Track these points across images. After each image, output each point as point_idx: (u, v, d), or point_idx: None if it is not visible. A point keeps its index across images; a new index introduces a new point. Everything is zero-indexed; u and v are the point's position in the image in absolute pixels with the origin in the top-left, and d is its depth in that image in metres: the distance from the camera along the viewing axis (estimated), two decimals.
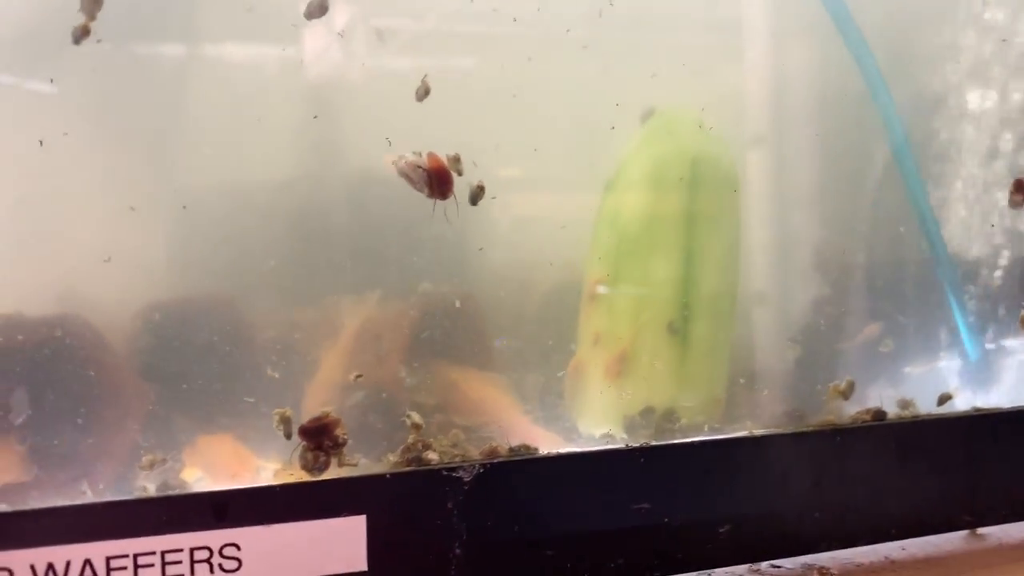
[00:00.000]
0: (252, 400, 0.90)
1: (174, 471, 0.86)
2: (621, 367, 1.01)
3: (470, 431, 0.94)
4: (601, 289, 1.05)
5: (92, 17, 0.69)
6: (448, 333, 1.00)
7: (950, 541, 0.95)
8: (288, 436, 0.76)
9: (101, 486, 0.78)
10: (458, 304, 0.98)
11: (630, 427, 0.98)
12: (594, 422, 1.01)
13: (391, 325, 1.00)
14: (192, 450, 0.88)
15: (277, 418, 0.76)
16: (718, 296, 1.06)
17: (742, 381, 1.03)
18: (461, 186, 0.85)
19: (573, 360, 1.04)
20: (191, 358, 0.89)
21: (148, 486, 0.80)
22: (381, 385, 0.96)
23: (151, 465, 0.81)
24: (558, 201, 1.08)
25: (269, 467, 0.87)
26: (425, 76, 0.80)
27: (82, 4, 0.69)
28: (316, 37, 0.90)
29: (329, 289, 0.97)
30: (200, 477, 0.86)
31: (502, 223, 1.01)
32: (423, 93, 0.80)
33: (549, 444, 0.96)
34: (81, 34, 0.69)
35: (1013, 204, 1.04)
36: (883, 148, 1.16)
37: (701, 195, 1.06)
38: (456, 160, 0.81)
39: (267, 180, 0.95)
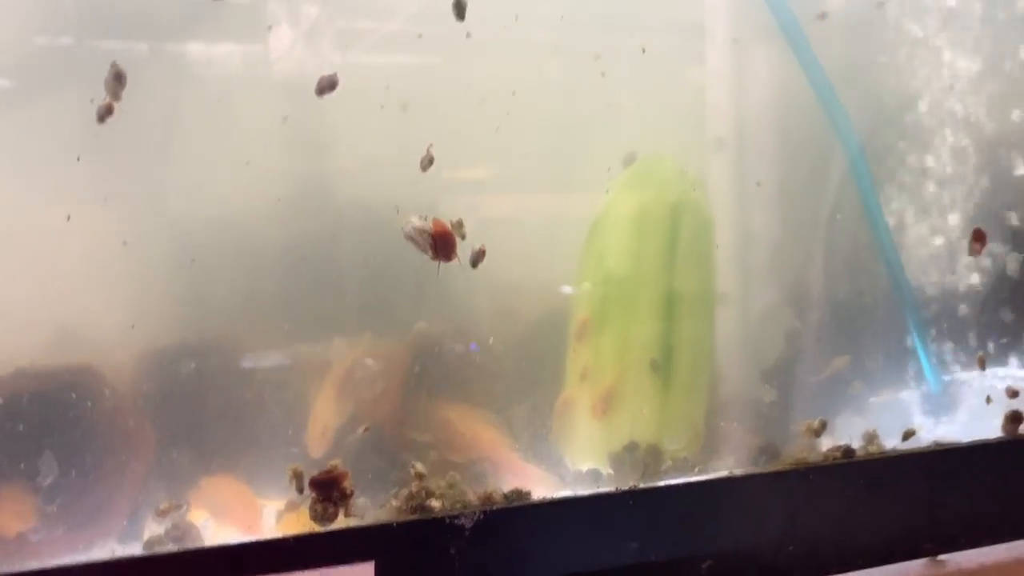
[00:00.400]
0: (253, 440, 0.94)
1: (182, 514, 0.89)
2: (607, 405, 1.06)
3: (465, 469, 0.98)
4: (588, 327, 1.10)
5: (116, 97, 0.72)
6: (442, 370, 1.04)
7: (913, 568, 1.02)
8: (300, 491, 0.80)
9: (110, 537, 0.81)
10: (475, 347, 1.02)
11: (616, 463, 1.04)
12: (581, 458, 1.06)
13: (386, 364, 1.04)
14: (197, 492, 0.92)
15: (290, 474, 0.79)
16: (697, 335, 1.12)
17: (721, 422, 1.09)
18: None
19: (561, 396, 1.09)
20: (192, 399, 0.93)
21: (158, 530, 0.83)
22: (378, 425, 1.00)
23: (166, 512, 0.85)
24: (536, 206, 1.12)
25: (271, 505, 0.91)
26: (430, 146, 0.85)
27: (106, 83, 0.72)
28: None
29: (325, 327, 1.00)
30: (207, 519, 0.90)
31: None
32: (427, 163, 0.84)
33: (538, 481, 1.01)
34: (105, 112, 0.72)
35: (972, 252, 1.11)
36: (849, 185, 1.22)
37: (681, 238, 1.11)
38: (459, 225, 0.85)
39: (260, 213, 0.96)
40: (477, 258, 0.87)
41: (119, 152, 0.83)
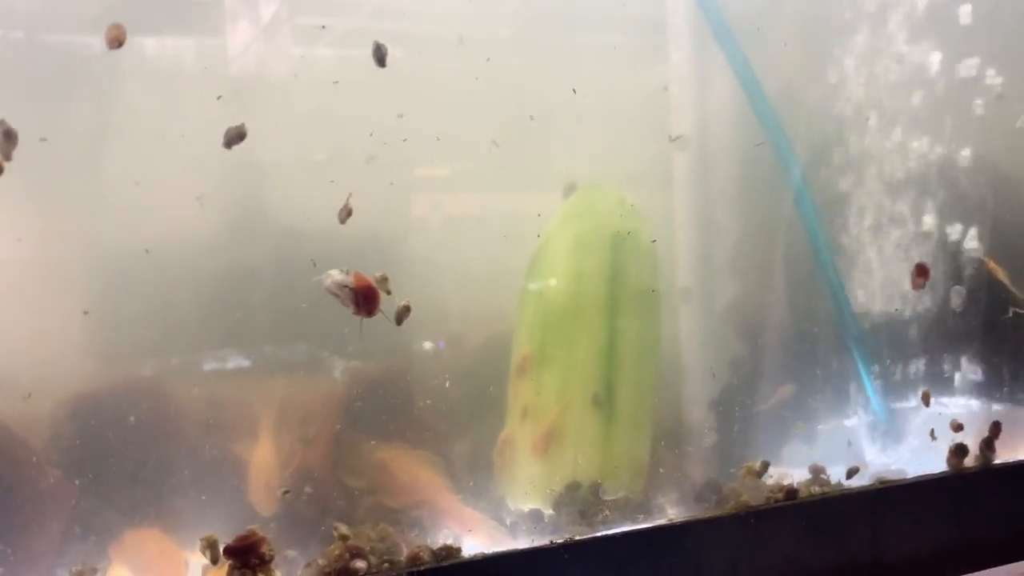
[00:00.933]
0: (180, 489, 0.91)
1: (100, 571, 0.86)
2: (548, 444, 1.04)
3: (401, 515, 0.95)
4: (529, 363, 1.07)
5: (7, 158, 0.68)
6: (375, 409, 1.01)
7: None
8: (214, 561, 0.76)
9: None
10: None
11: (557, 503, 1.01)
12: (522, 497, 1.03)
13: (317, 405, 1.00)
14: (119, 547, 0.88)
15: (203, 544, 0.76)
16: (640, 369, 1.10)
17: (664, 457, 1.07)
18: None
19: (502, 435, 1.07)
20: (113, 448, 0.89)
21: None
22: (309, 471, 0.97)
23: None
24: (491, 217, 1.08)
25: (198, 562, 0.87)
26: (349, 196, 0.81)
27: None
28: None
29: (253, 365, 0.96)
30: None
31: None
32: (345, 215, 0.81)
33: (478, 524, 0.98)
34: None
35: (915, 287, 1.10)
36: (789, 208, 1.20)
37: (622, 269, 1.09)
38: (384, 280, 0.82)
39: (182, 238, 0.92)
40: (402, 315, 0.84)
41: None
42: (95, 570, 0.82)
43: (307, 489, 0.88)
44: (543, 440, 1.04)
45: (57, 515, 0.87)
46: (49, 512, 0.86)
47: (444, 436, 1.03)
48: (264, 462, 0.93)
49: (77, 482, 0.86)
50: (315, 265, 0.81)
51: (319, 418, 0.99)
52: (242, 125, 0.77)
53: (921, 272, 1.07)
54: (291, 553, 0.88)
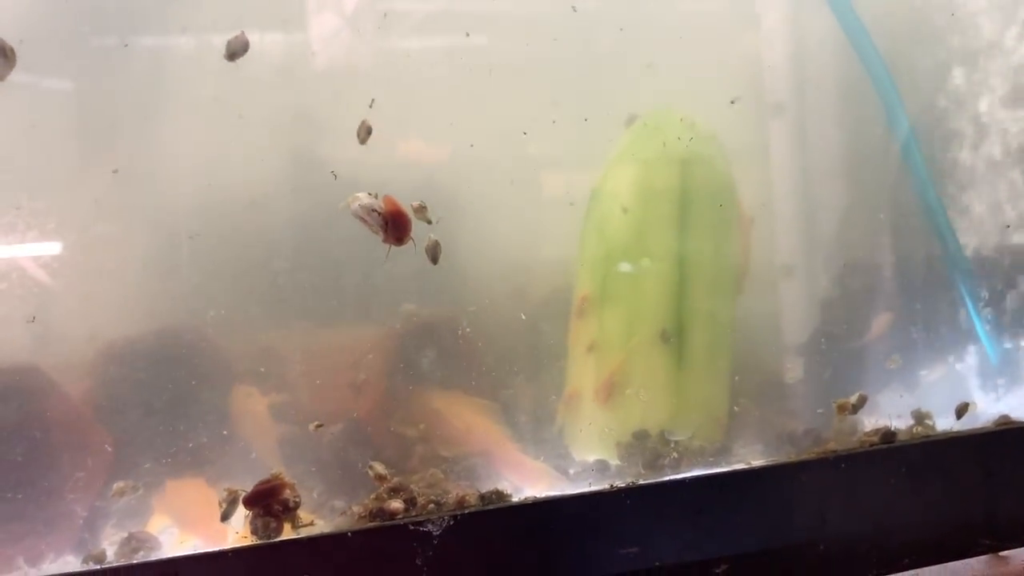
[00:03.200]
0: (225, 439, 0.86)
1: (141, 519, 0.82)
2: (612, 389, 0.95)
3: (451, 466, 0.89)
4: (589, 304, 0.99)
5: (1, 78, 0.64)
6: (432, 357, 0.95)
7: (970, 567, 0.89)
8: (225, 518, 0.71)
9: (53, 554, 0.74)
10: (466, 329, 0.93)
11: (624, 452, 0.93)
12: (587, 447, 0.95)
13: (369, 351, 0.95)
14: (161, 496, 0.84)
15: (224, 495, 0.71)
16: (715, 305, 1.00)
17: (743, 399, 0.97)
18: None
19: (565, 382, 0.99)
20: (157, 397, 0.85)
21: (108, 550, 0.76)
22: (359, 418, 0.91)
23: (122, 493, 0.78)
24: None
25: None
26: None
27: None
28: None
29: (303, 314, 0.92)
30: (167, 526, 0.83)
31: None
32: (364, 134, 0.75)
33: (539, 475, 0.91)
34: None
35: None
36: (893, 143, 1.09)
37: (693, 200, 0.99)
38: (422, 208, 0.76)
39: (236, 196, 0.90)
40: (434, 252, 0.77)
41: None
42: (137, 487, 0.78)
43: (316, 427, 0.82)
44: (605, 387, 0.96)
45: (96, 464, 0.84)
46: (87, 461, 0.83)
47: (503, 383, 0.96)
48: None
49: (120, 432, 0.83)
50: (336, 177, 0.74)
51: (368, 364, 0.93)
52: (241, 33, 0.72)
53: None
54: (338, 503, 0.82)
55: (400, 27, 0.92)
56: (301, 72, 0.88)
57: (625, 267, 0.97)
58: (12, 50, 0.66)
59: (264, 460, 0.81)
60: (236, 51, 0.72)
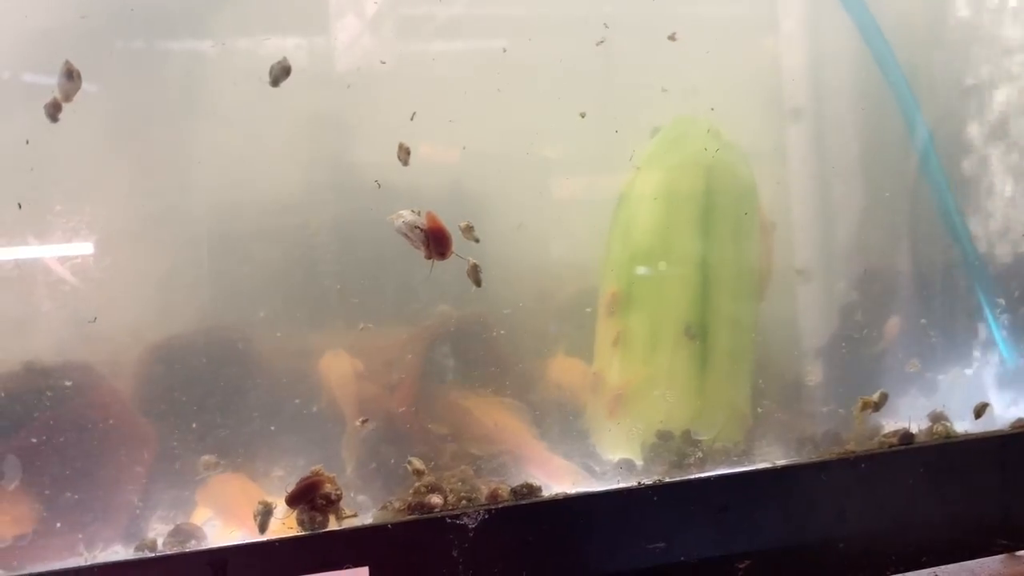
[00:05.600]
0: (266, 434, 0.90)
1: (185, 513, 0.86)
2: (617, 405, 0.98)
3: (481, 463, 0.92)
4: (617, 302, 1.02)
5: (68, 99, 0.68)
6: (463, 357, 0.98)
7: (987, 566, 0.91)
8: (262, 530, 0.74)
9: (102, 543, 0.77)
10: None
11: (650, 452, 0.95)
12: (612, 447, 0.98)
13: (403, 351, 0.98)
14: (204, 490, 0.88)
15: (258, 508, 0.75)
16: (738, 308, 1.03)
17: (765, 401, 1.00)
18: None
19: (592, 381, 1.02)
20: (199, 395, 0.89)
21: (157, 539, 0.79)
22: (392, 416, 0.94)
23: (207, 467, 0.82)
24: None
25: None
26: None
27: (59, 85, 0.68)
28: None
29: (339, 314, 0.95)
30: (210, 518, 0.86)
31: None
32: (404, 155, 0.78)
33: (564, 473, 0.94)
34: (54, 110, 0.68)
35: None
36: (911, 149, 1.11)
37: (717, 205, 1.02)
38: (469, 228, 0.79)
39: (271, 198, 0.92)
40: (476, 275, 0.80)
41: None
42: (217, 463, 0.82)
43: (363, 423, 0.85)
44: (613, 402, 0.99)
45: (141, 458, 0.87)
46: (134, 460, 0.87)
47: (532, 384, 0.98)
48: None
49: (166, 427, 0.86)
50: (379, 186, 0.78)
51: (403, 364, 0.97)
52: (284, 59, 0.75)
53: None
54: (365, 499, 0.86)
55: (425, 30, 0.94)
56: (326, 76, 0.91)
57: (650, 269, 1.00)
58: (78, 73, 0.69)
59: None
60: (279, 76, 0.75)
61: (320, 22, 0.92)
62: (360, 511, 0.81)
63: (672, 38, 0.89)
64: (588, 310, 1.03)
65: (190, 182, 0.91)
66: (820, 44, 1.11)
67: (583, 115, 0.93)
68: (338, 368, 0.92)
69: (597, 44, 0.92)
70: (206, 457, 0.82)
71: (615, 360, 0.99)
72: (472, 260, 0.82)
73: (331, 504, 0.73)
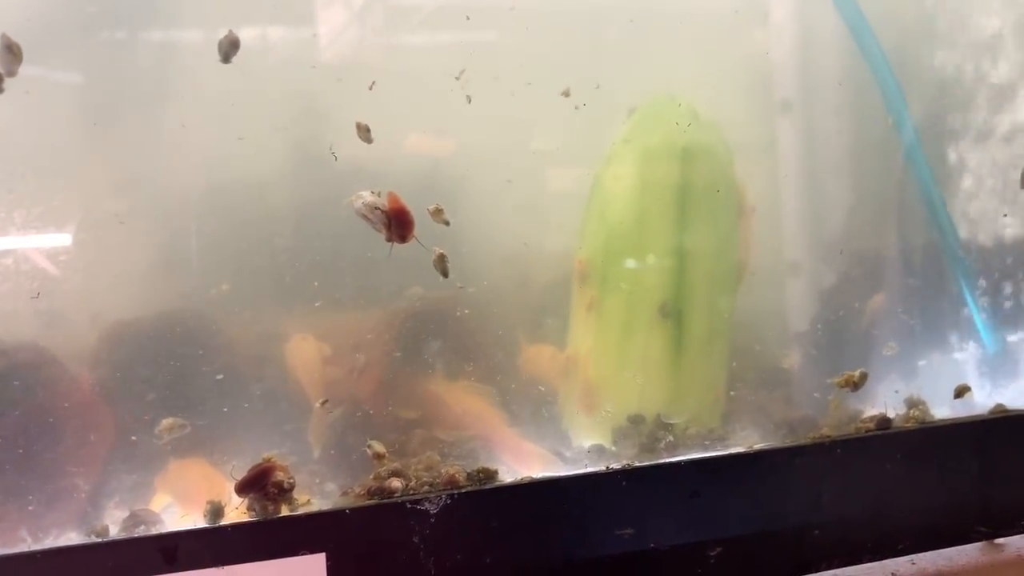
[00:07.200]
0: (226, 418, 0.87)
1: (144, 499, 0.83)
2: (591, 398, 0.96)
3: (449, 449, 0.90)
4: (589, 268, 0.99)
5: (11, 73, 0.66)
6: (433, 341, 0.95)
7: (965, 553, 0.89)
8: (215, 516, 0.72)
9: (56, 531, 0.75)
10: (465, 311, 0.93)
11: (620, 436, 0.93)
12: (584, 432, 0.96)
13: (370, 335, 0.95)
14: (163, 476, 0.85)
15: (207, 508, 0.72)
16: (714, 291, 1.00)
17: (738, 385, 0.97)
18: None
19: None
20: (160, 379, 0.86)
21: (110, 526, 0.76)
22: (359, 401, 0.92)
23: (169, 430, 0.79)
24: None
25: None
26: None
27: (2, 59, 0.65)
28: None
29: (303, 297, 0.93)
30: (169, 504, 0.83)
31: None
32: (364, 133, 0.75)
33: (534, 459, 0.91)
34: None
35: None
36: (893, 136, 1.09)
37: (694, 186, 1.00)
38: (439, 212, 0.75)
39: (241, 180, 0.90)
40: (443, 266, 0.77)
41: None
42: (184, 425, 0.80)
43: (322, 404, 0.83)
44: (587, 396, 0.97)
45: (98, 442, 0.85)
46: (90, 439, 0.84)
47: (502, 369, 0.96)
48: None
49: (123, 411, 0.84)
50: (336, 158, 0.75)
51: (371, 348, 0.94)
52: (231, 32, 0.72)
53: None
54: (330, 487, 0.83)
55: (406, 22, 0.92)
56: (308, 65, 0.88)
57: (624, 250, 0.98)
58: (18, 46, 0.66)
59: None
60: (228, 51, 0.72)
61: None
62: (325, 498, 0.79)
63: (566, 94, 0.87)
64: (563, 295, 1.01)
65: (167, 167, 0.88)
66: (807, 35, 1.09)
67: (566, 94, 0.90)
68: (304, 352, 0.90)
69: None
70: (167, 420, 0.78)
71: (588, 336, 0.96)
72: (438, 250, 0.79)
73: (283, 493, 0.71)
